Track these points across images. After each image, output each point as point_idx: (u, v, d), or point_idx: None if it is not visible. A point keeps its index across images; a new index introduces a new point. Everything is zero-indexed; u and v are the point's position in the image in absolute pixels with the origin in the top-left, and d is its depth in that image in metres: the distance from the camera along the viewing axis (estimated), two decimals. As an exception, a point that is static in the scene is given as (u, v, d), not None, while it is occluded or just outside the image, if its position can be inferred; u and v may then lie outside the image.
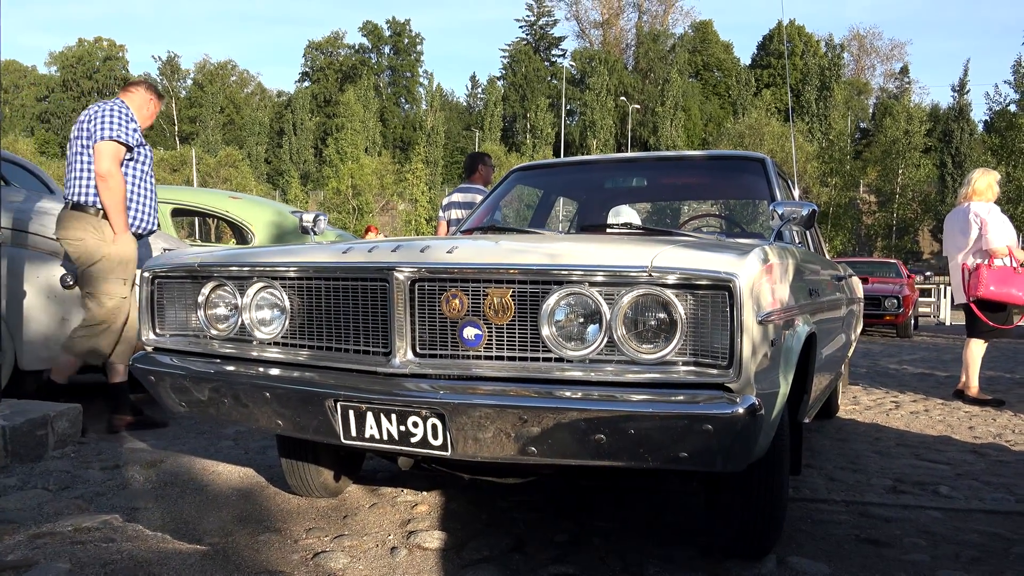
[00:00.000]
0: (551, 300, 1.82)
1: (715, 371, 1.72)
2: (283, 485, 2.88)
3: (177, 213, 6.85)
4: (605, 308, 1.79)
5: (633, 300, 1.77)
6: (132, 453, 3.33)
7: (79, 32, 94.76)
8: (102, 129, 3.70)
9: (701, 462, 1.76)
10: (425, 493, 2.89)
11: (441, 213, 5.86)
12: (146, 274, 2.35)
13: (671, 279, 1.73)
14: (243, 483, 2.96)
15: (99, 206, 3.73)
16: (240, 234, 6.53)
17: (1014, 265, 5.22)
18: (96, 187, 3.68)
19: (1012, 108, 42.06)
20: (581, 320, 1.83)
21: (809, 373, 2.47)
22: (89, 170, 3.73)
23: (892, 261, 15.59)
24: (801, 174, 43.35)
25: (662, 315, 1.77)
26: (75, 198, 3.75)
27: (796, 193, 3.67)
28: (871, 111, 64.34)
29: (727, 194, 4.23)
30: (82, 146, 3.76)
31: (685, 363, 1.75)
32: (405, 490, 2.93)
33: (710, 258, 1.75)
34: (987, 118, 49.35)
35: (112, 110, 3.77)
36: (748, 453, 1.76)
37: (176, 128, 69.10)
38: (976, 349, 5.43)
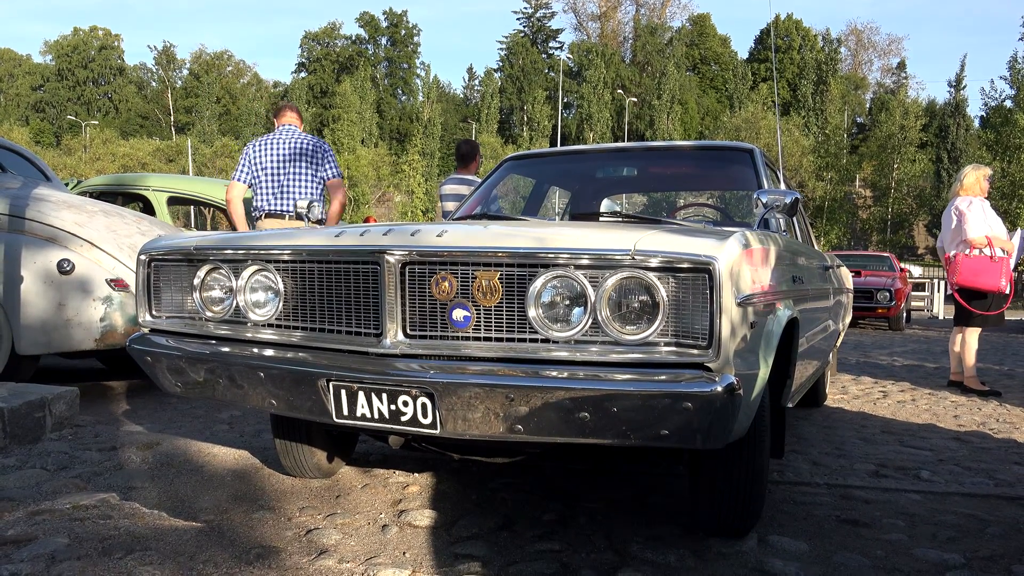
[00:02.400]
0: (538, 283, 1.88)
1: (695, 351, 1.78)
2: (277, 466, 2.94)
3: (173, 202, 6.89)
4: (590, 290, 1.84)
5: (617, 283, 1.83)
6: (128, 435, 3.38)
7: (74, 21, 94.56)
8: (336, 167, 4.89)
9: (681, 439, 1.82)
10: (416, 474, 2.94)
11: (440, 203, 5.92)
12: (143, 257, 2.39)
13: (653, 262, 1.78)
14: (238, 464, 3.02)
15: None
16: (236, 222, 6.56)
17: (991, 255, 5.35)
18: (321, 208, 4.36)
19: (1008, 104, 42.14)
20: (567, 302, 1.89)
21: (792, 358, 2.52)
22: (320, 194, 4.81)
23: (885, 255, 15.67)
24: (797, 168, 43.43)
25: (645, 297, 1.82)
26: (291, 209, 4.70)
27: (783, 185, 3.72)
28: (868, 106, 64.40)
29: (716, 184, 4.28)
30: (313, 173, 4.76)
31: (667, 344, 1.80)
32: (397, 472, 2.99)
33: (691, 242, 1.81)
34: (983, 113, 49.48)
35: (332, 150, 4.86)
36: (727, 431, 1.81)
37: (172, 118, 68.96)
38: (971, 339, 5.54)
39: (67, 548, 2.07)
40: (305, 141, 4.81)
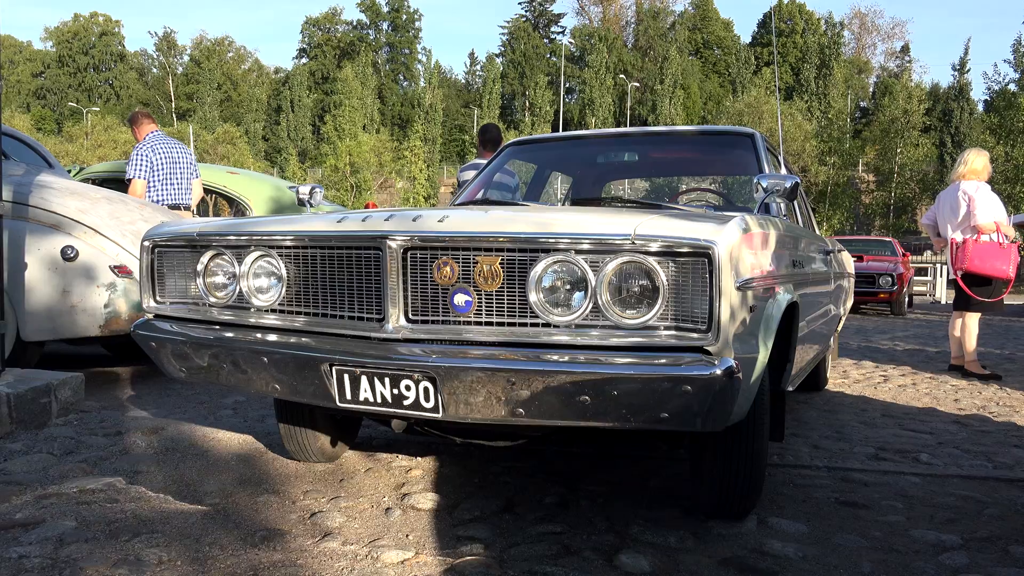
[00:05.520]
0: (539, 267, 1.89)
1: (695, 335, 1.79)
2: (281, 451, 2.96)
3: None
4: (590, 275, 1.85)
5: (617, 267, 1.84)
6: (134, 420, 3.41)
7: (74, 7, 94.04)
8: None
9: (681, 422, 1.83)
10: (419, 458, 2.97)
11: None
12: (146, 243, 2.41)
13: (653, 247, 1.80)
14: (242, 449, 3.04)
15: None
16: (238, 209, 6.58)
17: (1000, 241, 5.33)
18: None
19: (1012, 87, 41.92)
20: (567, 287, 1.90)
21: (792, 342, 2.54)
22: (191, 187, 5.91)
23: (887, 239, 15.65)
24: (799, 153, 43.25)
25: (645, 281, 1.83)
26: (187, 202, 5.83)
27: (783, 170, 3.73)
28: (871, 90, 64.11)
29: (717, 169, 4.29)
30: (190, 172, 5.85)
31: (667, 327, 1.82)
32: (400, 456, 3.01)
33: (691, 226, 1.82)
34: (987, 97, 49.23)
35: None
36: (726, 414, 1.83)
37: (173, 105, 68.83)
38: (971, 323, 5.54)
39: (74, 531, 2.10)
40: (180, 145, 5.97)
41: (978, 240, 5.38)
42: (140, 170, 5.62)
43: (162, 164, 5.69)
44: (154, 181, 5.65)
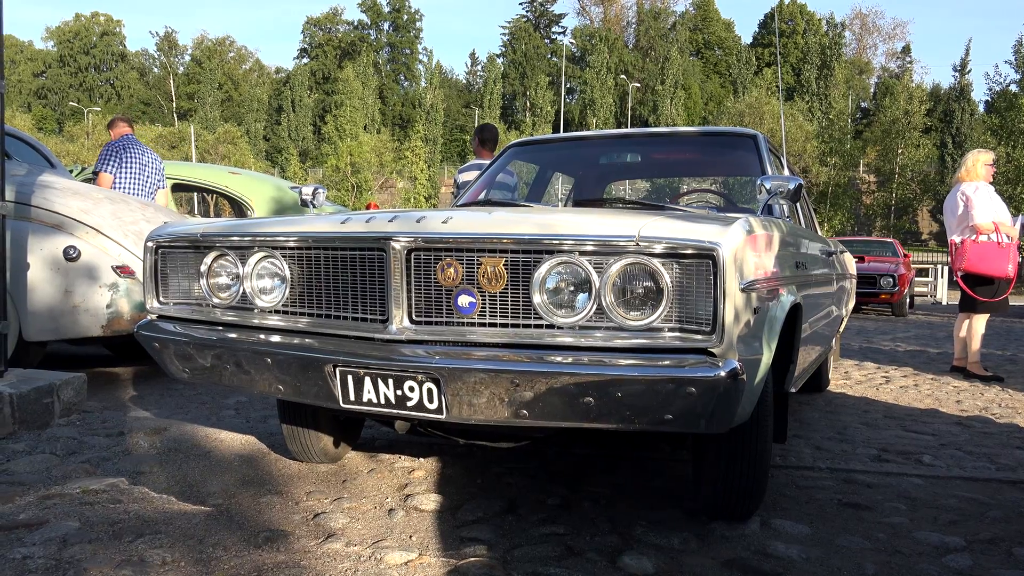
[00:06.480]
0: (543, 269, 1.89)
1: (699, 337, 1.79)
2: (284, 451, 2.96)
3: (177, 188, 6.90)
4: (594, 276, 1.85)
5: (621, 269, 1.84)
6: (136, 421, 3.41)
7: (75, 6, 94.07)
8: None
9: (685, 424, 1.83)
10: (422, 459, 2.97)
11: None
12: (149, 243, 2.41)
13: (658, 248, 1.79)
14: (245, 449, 3.04)
15: None
16: (239, 209, 6.59)
17: (999, 240, 5.33)
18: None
19: (1013, 88, 41.92)
20: (571, 288, 1.90)
21: (795, 343, 2.54)
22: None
23: (889, 240, 15.65)
24: (800, 154, 43.26)
25: (649, 283, 1.83)
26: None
27: (786, 171, 3.73)
28: (872, 91, 64.09)
29: (720, 170, 4.29)
30: (158, 177, 5.93)
31: (671, 329, 1.82)
32: (403, 456, 3.01)
33: (695, 228, 1.82)
34: (988, 98, 49.24)
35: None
36: (730, 416, 1.83)
37: (174, 104, 68.87)
38: (977, 325, 5.54)
39: (78, 532, 2.10)
40: (153, 153, 6.01)
41: (976, 240, 5.40)
42: (108, 164, 5.67)
43: (131, 163, 5.70)
44: (120, 178, 5.66)
